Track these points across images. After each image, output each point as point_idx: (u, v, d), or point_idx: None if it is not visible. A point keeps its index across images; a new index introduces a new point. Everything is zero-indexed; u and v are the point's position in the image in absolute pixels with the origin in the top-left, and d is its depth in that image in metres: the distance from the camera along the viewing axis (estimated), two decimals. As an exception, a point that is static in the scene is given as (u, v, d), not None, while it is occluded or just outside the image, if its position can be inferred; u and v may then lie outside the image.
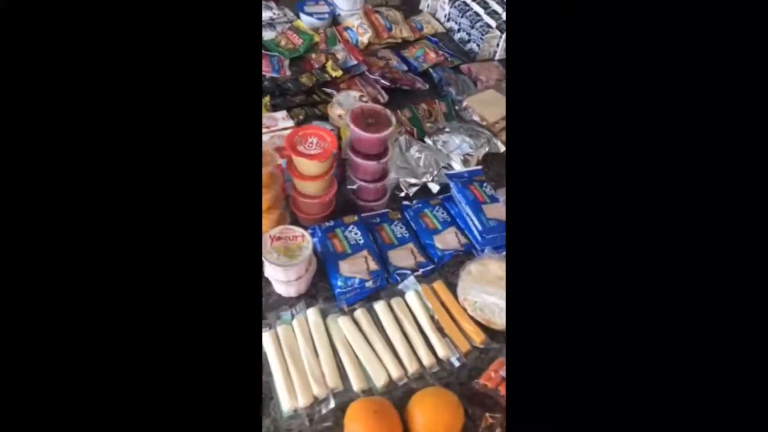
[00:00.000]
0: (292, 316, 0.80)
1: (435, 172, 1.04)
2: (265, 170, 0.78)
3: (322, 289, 0.86)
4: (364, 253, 0.87)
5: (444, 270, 0.91)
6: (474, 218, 0.93)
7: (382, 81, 1.28)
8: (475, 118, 1.24)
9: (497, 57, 1.49)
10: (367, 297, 0.85)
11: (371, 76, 1.31)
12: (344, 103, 1.13)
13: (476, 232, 0.93)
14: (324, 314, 0.81)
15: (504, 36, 1.44)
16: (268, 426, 0.68)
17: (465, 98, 1.28)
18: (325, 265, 0.87)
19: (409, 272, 0.88)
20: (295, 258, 0.77)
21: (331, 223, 0.91)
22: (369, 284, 0.84)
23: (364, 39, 1.42)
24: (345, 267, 0.85)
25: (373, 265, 0.85)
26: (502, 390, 0.71)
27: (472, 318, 0.82)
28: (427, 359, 0.77)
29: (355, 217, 0.93)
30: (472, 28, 1.47)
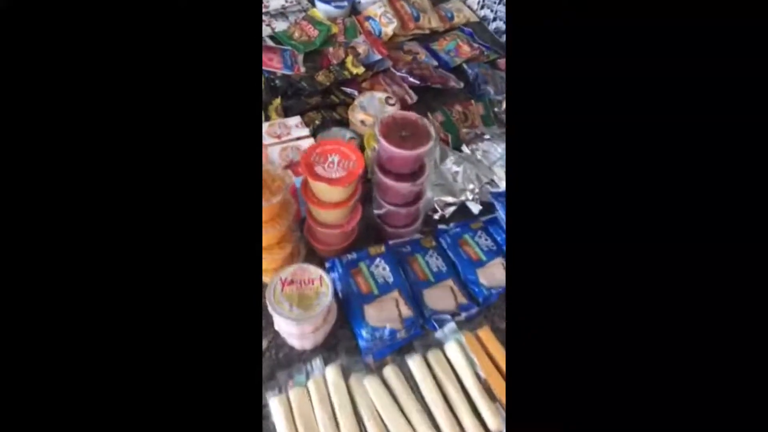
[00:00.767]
0: (307, 376, 0.65)
1: (476, 189, 0.88)
2: (275, 199, 0.62)
3: (343, 338, 0.70)
4: (395, 294, 0.72)
5: (491, 312, 0.76)
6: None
7: (410, 79, 1.12)
8: (518, 122, 1.07)
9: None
10: (398, 349, 0.70)
11: (397, 73, 1.14)
12: (368, 106, 0.97)
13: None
14: (346, 373, 0.66)
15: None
16: None
17: (504, 98, 1.11)
18: (347, 309, 0.71)
19: (448, 317, 0.72)
20: (312, 308, 0.61)
21: (354, 255, 0.76)
22: (401, 334, 0.69)
23: (389, 30, 1.25)
24: (372, 314, 0.69)
25: (406, 311, 0.70)
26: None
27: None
28: (473, 431, 0.62)
29: (382, 248, 0.77)
30: (511, 16, 1.30)
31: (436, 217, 0.87)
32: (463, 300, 0.74)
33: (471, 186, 0.89)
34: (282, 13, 1.28)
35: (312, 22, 1.25)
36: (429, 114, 1.06)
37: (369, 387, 0.64)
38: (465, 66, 1.20)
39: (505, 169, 0.91)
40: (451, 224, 0.85)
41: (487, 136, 0.99)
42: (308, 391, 0.64)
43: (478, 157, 0.95)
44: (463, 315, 0.74)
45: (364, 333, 0.68)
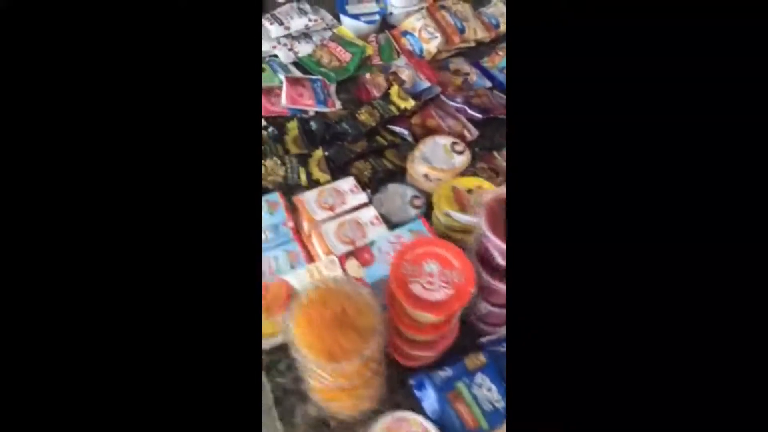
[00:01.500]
0: None
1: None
2: (367, 350, 0.46)
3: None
4: (510, 426, 0.56)
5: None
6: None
7: (470, 111, 0.94)
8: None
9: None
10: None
11: (451, 103, 0.97)
12: (431, 157, 0.80)
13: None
14: None
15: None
16: None
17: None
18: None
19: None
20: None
21: (449, 371, 0.59)
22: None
23: (431, 47, 1.07)
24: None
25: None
26: None
27: None
28: None
29: (482, 357, 0.61)
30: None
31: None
32: None
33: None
34: (305, 34, 1.09)
35: (341, 42, 1.06)
36: (495, 153, 0.89)
37: None
38: (526, 87, 1.02)
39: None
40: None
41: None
42: None
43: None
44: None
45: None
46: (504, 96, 0.99)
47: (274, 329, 0.61)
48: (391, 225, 0.72)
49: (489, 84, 1.04)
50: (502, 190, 0.57)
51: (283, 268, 0.67)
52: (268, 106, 0.94)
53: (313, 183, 0.80)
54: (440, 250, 0.52)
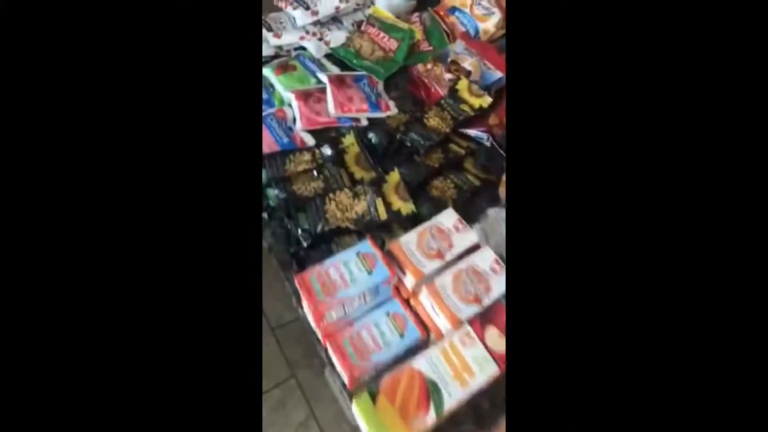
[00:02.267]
0: None
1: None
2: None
3: None
4: None
5: None
6: None
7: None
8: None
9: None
10: None
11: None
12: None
13: None
14: None
15: None
16: None
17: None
18: None
19: None
20: None
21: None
22: None
23: (489, 26, 0.90)
24: None
25: None
26: None
27: None
28: None
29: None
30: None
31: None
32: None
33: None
34: (335, 18, 0.90)
35: (382, 26, 0.88)
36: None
37: None
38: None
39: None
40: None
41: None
42: None
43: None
44: None
45: None
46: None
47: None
48: (511, 267, 0.58)
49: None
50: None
51: (390, 340, 0.53)
52: (312, 117, 0.76)
53: (396, 216, 0.64)
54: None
